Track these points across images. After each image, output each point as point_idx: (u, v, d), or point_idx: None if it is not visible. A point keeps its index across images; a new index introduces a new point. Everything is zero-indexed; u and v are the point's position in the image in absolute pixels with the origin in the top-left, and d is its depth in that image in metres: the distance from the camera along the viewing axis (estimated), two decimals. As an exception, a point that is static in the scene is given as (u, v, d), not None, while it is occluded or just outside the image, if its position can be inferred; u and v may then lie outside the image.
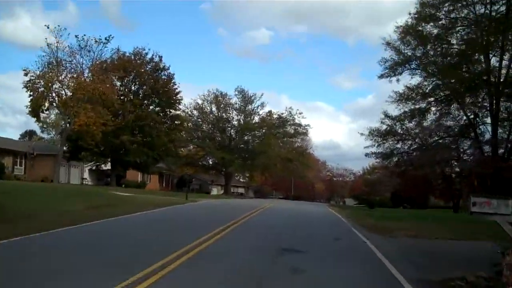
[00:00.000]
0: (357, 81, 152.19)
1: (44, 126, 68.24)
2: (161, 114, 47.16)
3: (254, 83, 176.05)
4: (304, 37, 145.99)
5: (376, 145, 39.04)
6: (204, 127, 68.13)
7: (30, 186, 25.39)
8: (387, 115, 38.19)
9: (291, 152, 70.22)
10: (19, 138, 68.28)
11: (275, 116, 68.00)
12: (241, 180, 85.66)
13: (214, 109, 67.36)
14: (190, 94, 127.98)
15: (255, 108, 68.10)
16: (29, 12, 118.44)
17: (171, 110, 47.98)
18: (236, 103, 67.60)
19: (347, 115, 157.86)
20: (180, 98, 47.64)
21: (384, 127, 38.55)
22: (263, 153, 62.86)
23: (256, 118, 68.34)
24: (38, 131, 72.06)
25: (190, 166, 68.39)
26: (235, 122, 67.92)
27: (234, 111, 67.88)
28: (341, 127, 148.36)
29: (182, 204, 24.08)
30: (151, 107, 46.25)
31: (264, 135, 66.67)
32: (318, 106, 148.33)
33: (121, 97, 43.82)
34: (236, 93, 67.30)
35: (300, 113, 68.16)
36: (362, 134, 39.41)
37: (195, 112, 66.81)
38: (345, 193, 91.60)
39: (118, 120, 41.82)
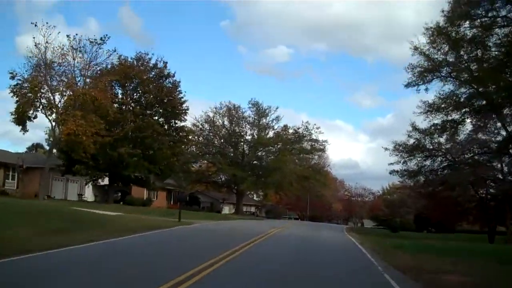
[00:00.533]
0: (376, 100, 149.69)
1: (51, 139, 65.83)
2: (166, 126, 43.56)
3: (272, 100, 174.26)
4: (324, 55, 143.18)
5: (401, 161, 35.60)
6: (215, 142, 64.35)
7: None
8: (415, 128, 34.44)
9: (307, 170, 65.79)
10: (25, 152, 65.82)
11: (290, 131, 64.00)
12: (255, 198, 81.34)
13: (226, 122, 63.70)
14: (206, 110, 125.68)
15: (270, 122, 64.31)
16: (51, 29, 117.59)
17: (176, 121, 44.25)
18: (249, 116, 63.82)
19: (366, 134, 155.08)
20: (186, 108, 43.85)
21: (412, 141, 35.02)
22: (278, 170, 58.54)
23: (271, 133, 64.48)
24: (45, 144, 69.79)
25: (201, 183, 64.77)
26: (248, 137, 63.96)
27: (247, 125, 64.04)
28: (359, 146, 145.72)
29: (169, 228, 19.89)
30: (154, 118, 42.49)
31: (278, 151, 62.53)
32: (337, 125, 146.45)
33: (122, 106, 40.63)
34: (250, 105, 63.53)
35: (318, 128, 63.91)
36: (386, 149, 36.41)
37: (206, 125, 63.22)
38: (364, 214, 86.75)
39: (117, 130, 38.35)
